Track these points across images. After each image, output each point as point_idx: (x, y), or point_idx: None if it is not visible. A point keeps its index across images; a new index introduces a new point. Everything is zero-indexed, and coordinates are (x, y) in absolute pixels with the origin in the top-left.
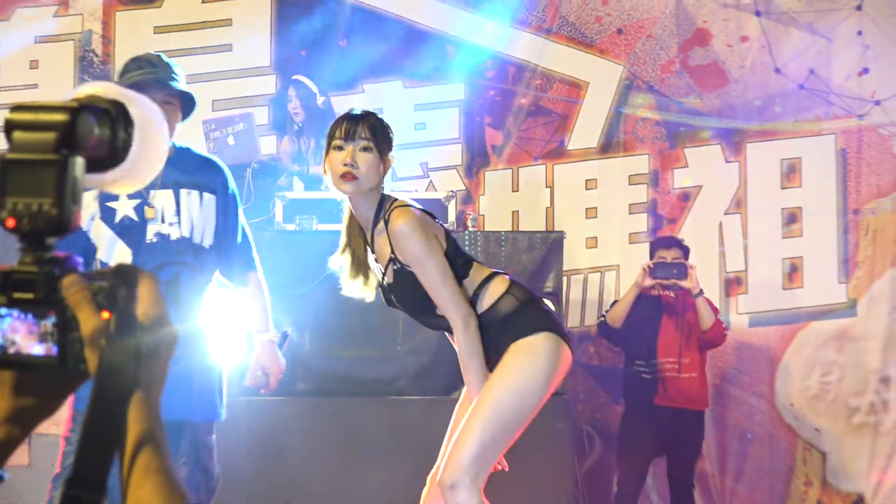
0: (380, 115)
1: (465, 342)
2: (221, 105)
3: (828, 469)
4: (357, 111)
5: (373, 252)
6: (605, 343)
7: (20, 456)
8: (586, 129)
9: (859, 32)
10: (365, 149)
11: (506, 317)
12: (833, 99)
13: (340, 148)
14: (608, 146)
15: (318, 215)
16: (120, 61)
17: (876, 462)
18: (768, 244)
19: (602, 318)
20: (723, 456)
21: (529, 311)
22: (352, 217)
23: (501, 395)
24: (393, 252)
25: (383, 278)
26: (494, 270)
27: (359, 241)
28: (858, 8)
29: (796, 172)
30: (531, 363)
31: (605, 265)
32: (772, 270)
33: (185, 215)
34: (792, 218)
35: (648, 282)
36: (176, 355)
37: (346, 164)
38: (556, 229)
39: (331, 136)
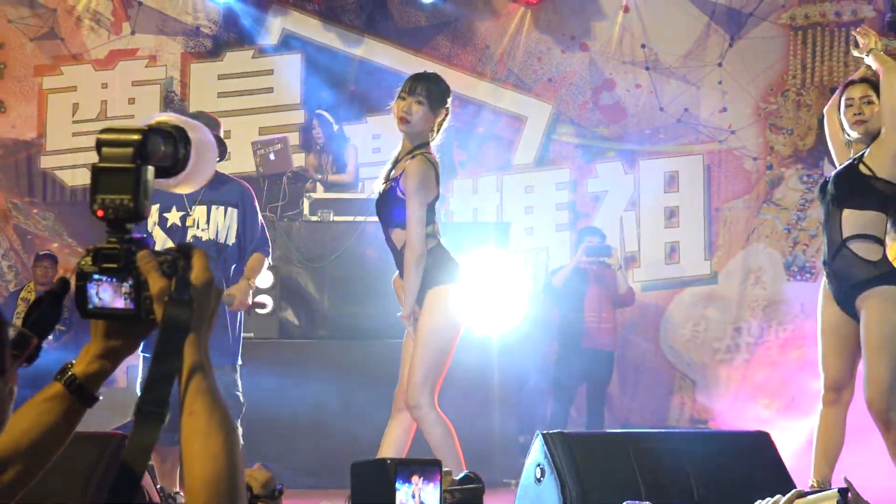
0: (437, 79)
1: (412, 271)
2: (265, 131)
3: (696, 391)
4: (420, 73)
5: (393, 164)
6: (540, 301)
7: (120, 381)
8: (526, 150)
9: (720, 82)
10: (419, 102)
11: (433, 264)
12: (701, 129)
13: (403, 98)
14: (542, 162)
15: (334, 210)
16: (193, 99)
17: (730, 387)
18: (655, 232)
19: (549, 281)
20: (623, 383)
21: (449, 265)
22: (402, 147)
23: (432, 332)
24: (398, 176)
25: (381, 188)
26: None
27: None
28: (719, 64)
29: (675, 181)
30: (446, 307)
31: (540, 247)
32: (658, 251)
33: (212, 224)
34: (672, 214)
35: (584, 258)
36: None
37: (404, 112)
38: (504, 221)
39: (400, 89)
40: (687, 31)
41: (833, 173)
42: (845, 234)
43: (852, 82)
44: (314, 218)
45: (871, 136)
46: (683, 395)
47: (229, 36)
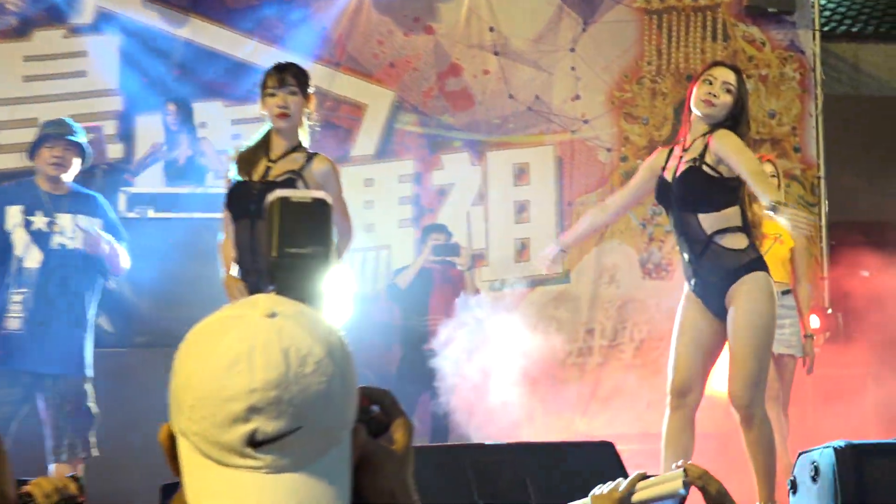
0: (299, 65)
1: None
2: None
3: (547, 398)
4: (281, 64)
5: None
6: (379, 304)
7: None
8: (366, 141)
9: (573, 68)
10: (293, 93)
11: None
12: (553, 118)
13: (272, 94)
14: (382, 153)
15: (154, 206)
16: None
17: (583, 392)
18: (504, 228)
19: (392, 282)
20: (468, 393)
21: None
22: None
23: None
24: (301, 170)
25: (276, 178)
26: None
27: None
28: (572, 50)
29: (525, 174)
30: None
31: (379, 245)
32: (507, 248)
33: (79, 233)
34: (522, 208)
35: (431, 257)
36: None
37: (280, 108)
38: None
39: (266, 85)
40: (538, 14)
41: (671, 177)
42: (709, 232)
43: (723, 64)
44: (131, 214)
45: (710, 125)
46: (534, 403)
47: (38, 13)
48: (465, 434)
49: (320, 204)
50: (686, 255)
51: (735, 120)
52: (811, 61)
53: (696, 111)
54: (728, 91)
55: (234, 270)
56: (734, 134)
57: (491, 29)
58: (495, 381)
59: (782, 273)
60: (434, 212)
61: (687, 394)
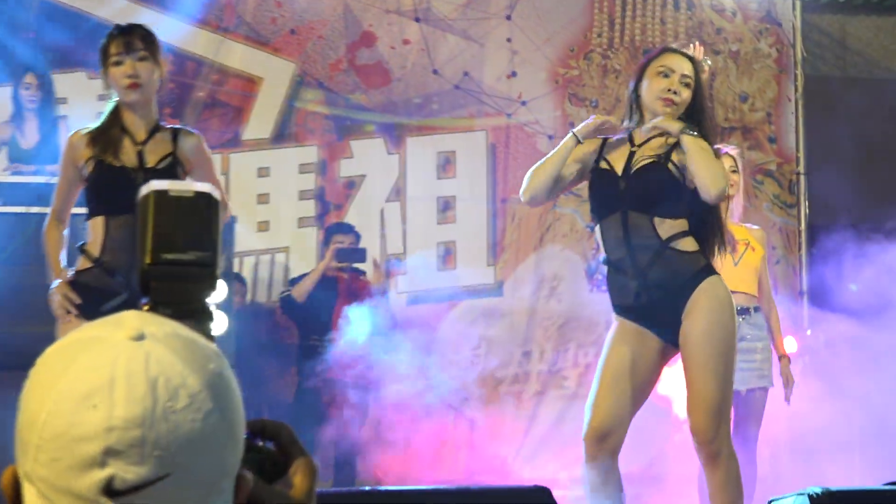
0: (145, 27)
1: None
2: None
3: (475, 433)
4: (125, 26)
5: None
6: (275, 319)
7: None
8: (260, 122)
9: (509, 39)
10: (143, 58)
11: None
12: (484, 99)
13: (119, 62)
14: (280, 137)
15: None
16: None
17: (518, 426)
18: (425, 229)
19: (287, 293)
20: (379, 427)
21: None
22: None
23: None
24: (175, 153)
25: (156, 164)
26: None
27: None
28: (508, 17)
29: (451, 164)
30: None
31: (275, 247)
32: (428, 253)
33: None
34: (447, 205)
35: (334, 264)
36: None
37: (130, 77)
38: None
39: (108, 51)
40: None
41: (621, 172)
42: (664, 237)
43: (676, 51)
44: None
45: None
46: (459, 437)
47: None
48: (376, 476)
49: (205, 199)
50: (627, 266)
51: (695, 119)
52: (790, 35)
53: (652, 109)
54: (686, 85)
55: (65, 276)
56: (706, 142)
57: None
58: (413, 412)
59: (754, 286)
60: (341, 208)
61: (606, 438)
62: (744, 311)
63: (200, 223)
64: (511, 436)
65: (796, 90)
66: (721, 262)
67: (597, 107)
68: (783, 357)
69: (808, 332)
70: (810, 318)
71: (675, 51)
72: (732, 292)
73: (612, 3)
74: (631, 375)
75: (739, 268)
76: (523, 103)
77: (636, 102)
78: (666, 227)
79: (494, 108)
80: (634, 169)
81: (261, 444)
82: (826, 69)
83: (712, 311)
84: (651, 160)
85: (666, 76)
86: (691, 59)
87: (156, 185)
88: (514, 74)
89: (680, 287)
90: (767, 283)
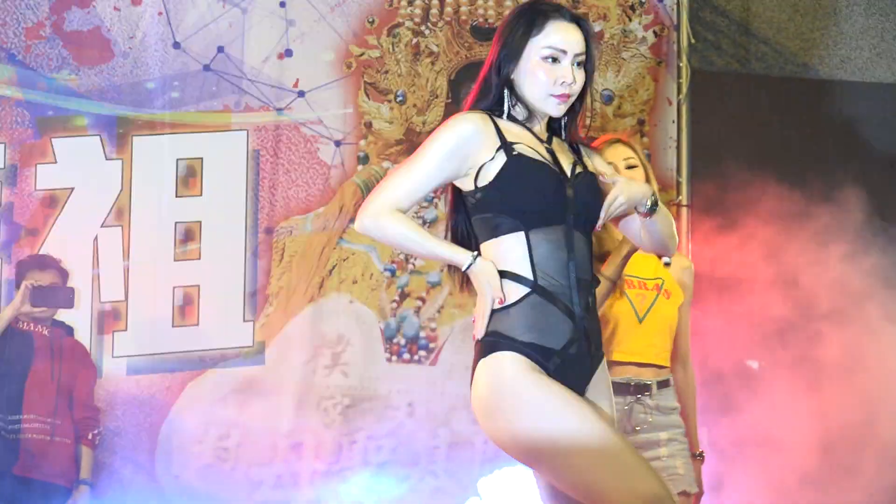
0: None
1: None
2: None
3: None
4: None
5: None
6: None
7: None
8: None
9: (282, 3)
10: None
11: None
12: (246, 86)
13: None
14: None
15: None
16: None
17: None
18: (157, 267)
19: None
20: None
21: None
22: None
23: None
24: None
25: None
26: None
27: None
28: None
29: (197, 177)
30: None
31: None
32: (160, 301)
33: None
34: (189, 235)
35: (27, 308)
36: None
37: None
38: None
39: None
40: None
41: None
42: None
43: (561, 15)
44: None
45: None
46: None
47: None
48: None
49: None
50: (573, 305)
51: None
52: (673, 14)
53: (539, 108)
54: (580, 65)
55: None
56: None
57: None
58: None
59: (666, 353)
60: (37, 234)
61: None
62: (643, 389)
63: None
64: None
65: (680, 91)
66: (619, 317)
67: (403, 102)
68: (698, 455)
69: None
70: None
71: (560, 15)
72: (636, 364)
73: None
74: None
75: (646, 325)
76: (301, 94)
77: (509, 89)
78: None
79: (260, 99)
80: (575, 175)
81: None
82: (721, 62)
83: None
84: (578, 165)
85: (555, 60)
86: (580, 23)
87: None
88: (288, 53)
89: (598, 346)
90: (685, 341)
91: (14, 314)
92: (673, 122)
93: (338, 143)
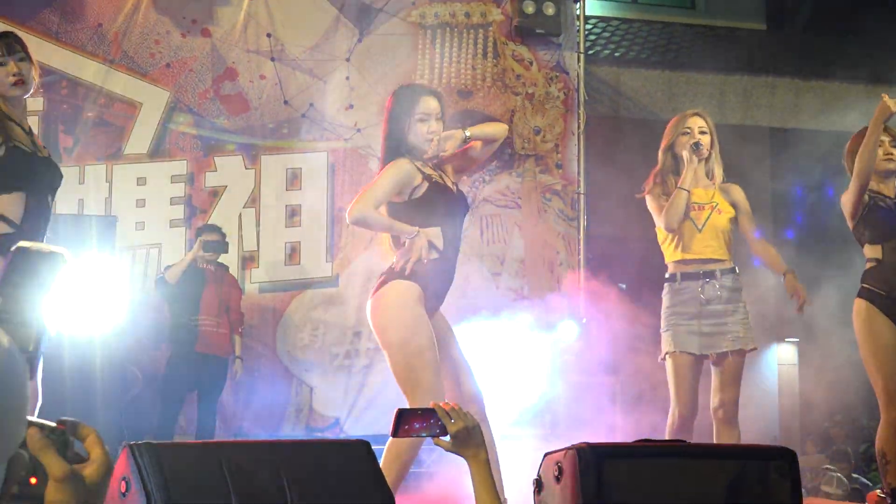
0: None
1: None
2: None
3: (314, 398)
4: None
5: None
6: (149, 300)
7: None
8: (139, 139)
9: (347, 77)
10: (22, 59)
11: None
12: (326, 126)
13: (1, 63)
14: (156, 153)
15: None
16: None
17: (349, 395)
18: (274, 231)
19: (161, 275)
20: (238, 389)
21: None
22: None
23: None
24: None
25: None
26: None
27: None
28: (347, 59)
29: (298, 179)
30: None
31: (150, 243)
32: (277, 251)
33: None
34: (293, 212)
35: (202, 254)
36: None
37: (15, 75)
38: (111, 214)
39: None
40: (315, 23)
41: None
42: None
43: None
44: None
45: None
46: (301, 402)
47: None
48: (230, 435)
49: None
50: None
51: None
52: (575, 82)
53: (418, 147)
54: (439, 120)
55: None
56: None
57: (268, 35)
58: (264, 382)
59: (721, 249)
60: (206, 213)
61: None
62: (708, 275)
63: None
64: (343, 402)
65: (579, 126)
66: (684, 230)
67: None
68: (787, 273)
69: (584, 321)
70: (586, 310)
71: (422, 91)
72: (693, 261)
73: (433, 51)
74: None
75: (704, 232)
76: (358, 130)
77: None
78: None
79: (334, 134)
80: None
81: (67, 439)
82: (603, 110)
83: None
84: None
85: (423, 120)
86: (435, 93)
87: None
88: (351, 107)
89: None
90: (752, 234)
91: (193, 257)
92: (575, 145)
93: (379, 159)
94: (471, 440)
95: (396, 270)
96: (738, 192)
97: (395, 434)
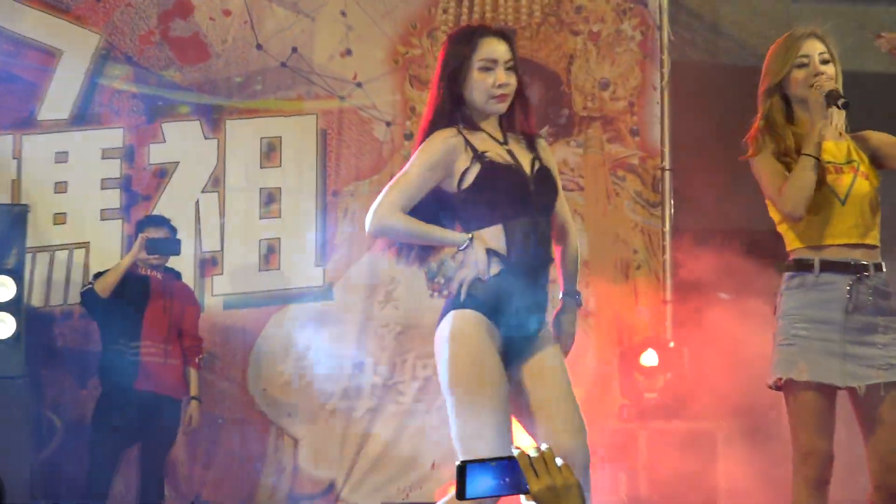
0: None
1: None
2: None
3: (299, 455)
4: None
5: None
6: (72, 323)
7: None
8: (59, 100)
9: (343, 12)
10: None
11: None
12: (315, 79)
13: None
14: (82, 118)
15: None
16: None
17: (347, 448)
18: (245, 224)
19: (89, 286)
20: (193, 442)
21: None
22: None
23: None
24: None
25: None
26: None
27: None
28: None
29: (276, 151)
30: None
31: (74, 242)
32: (248, 251)
33: None
34: (271, 198)
35: (143, 255)
36: None
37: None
38: (21, 202)
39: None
40: None
41: (531, 171)
42: None
43: (492, 33)
44: None
45: None
46: (282, 459)
47: None
48: (189, 494)
49: None
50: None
51: (520, 103)
52: (657, 17)
53: (482, 105)
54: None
55: None
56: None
57: None
58: (229, 433)
59: (875, 231)
60: (150, 199)
61: None
62: (861, 270)
63: None
64: (339, 459)
65: (662, 78)
66: (821, 203)
67: None
68: None
69: (671, 344)
70: (673, 329)
71: (490, 32)
72: (836, 247)
73: None
74: None
75: (848, 205)
76: (358, 85)
77: (460, 102)
78: None
79: (326, 89)
80: (536, 169)
81: None
82: (696, 55)
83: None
84: (538, 161)
85: (488, 70)
86: (503, 35)
87: None
88: (348, 52)
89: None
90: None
91: (132, 261)
92: (657, 103)
93: (388, 124)
94: None
95: (453, 295)
96: (876, 136)
97: (461, 496)
